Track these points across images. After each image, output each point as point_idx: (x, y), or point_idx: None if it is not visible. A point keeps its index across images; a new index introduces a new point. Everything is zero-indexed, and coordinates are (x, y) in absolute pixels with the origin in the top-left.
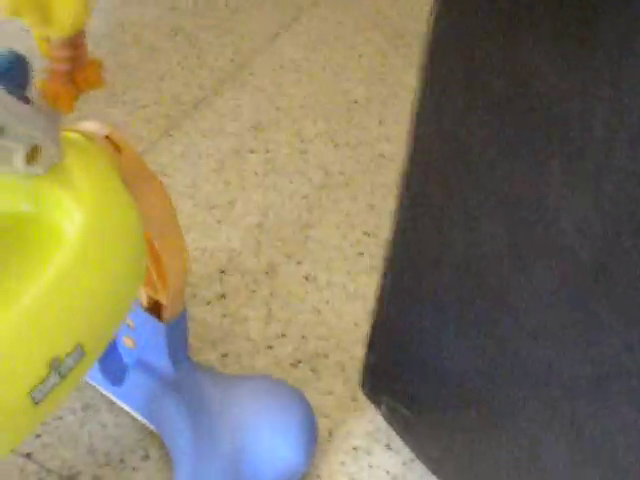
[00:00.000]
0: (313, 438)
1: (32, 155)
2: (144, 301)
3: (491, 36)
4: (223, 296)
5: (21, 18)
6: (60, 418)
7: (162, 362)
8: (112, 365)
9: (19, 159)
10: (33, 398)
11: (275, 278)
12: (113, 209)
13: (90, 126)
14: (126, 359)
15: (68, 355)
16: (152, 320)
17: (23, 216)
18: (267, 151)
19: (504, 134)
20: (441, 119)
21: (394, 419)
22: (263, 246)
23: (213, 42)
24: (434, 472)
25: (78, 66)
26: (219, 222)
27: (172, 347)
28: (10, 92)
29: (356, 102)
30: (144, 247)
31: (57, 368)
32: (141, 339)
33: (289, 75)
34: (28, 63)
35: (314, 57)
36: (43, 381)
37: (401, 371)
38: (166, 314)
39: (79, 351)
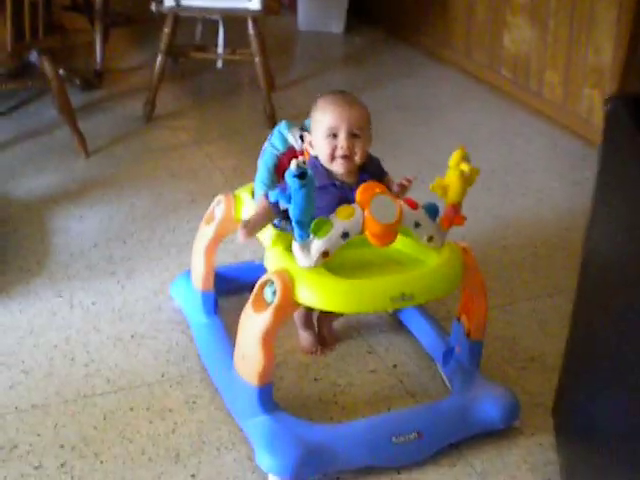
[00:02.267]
0: None
1: (430, 239)
2: (466, 329)
3: None
4: None
5: (436, 192)
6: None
7: (464, 361)
8: (448, 355)
9: (425, 239)
10: (391, 301)
11: None
12: (451, 265)
13: (460, 242)
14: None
15: (407, 294)
16: (465, 338)
17: (416, 257)
18: None
19: None
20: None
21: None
22: None
23: None
24: None
25: (456, 215)
26: None
27: (471, 356)
28: (430, 217)
29: None
30: (457, 284)
31: (403, 296)
32: (461, 348)
33: None
34: (438, 209)
35: None
36: (398, 297)
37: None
38: (470, 337)
39: (410, 296)
